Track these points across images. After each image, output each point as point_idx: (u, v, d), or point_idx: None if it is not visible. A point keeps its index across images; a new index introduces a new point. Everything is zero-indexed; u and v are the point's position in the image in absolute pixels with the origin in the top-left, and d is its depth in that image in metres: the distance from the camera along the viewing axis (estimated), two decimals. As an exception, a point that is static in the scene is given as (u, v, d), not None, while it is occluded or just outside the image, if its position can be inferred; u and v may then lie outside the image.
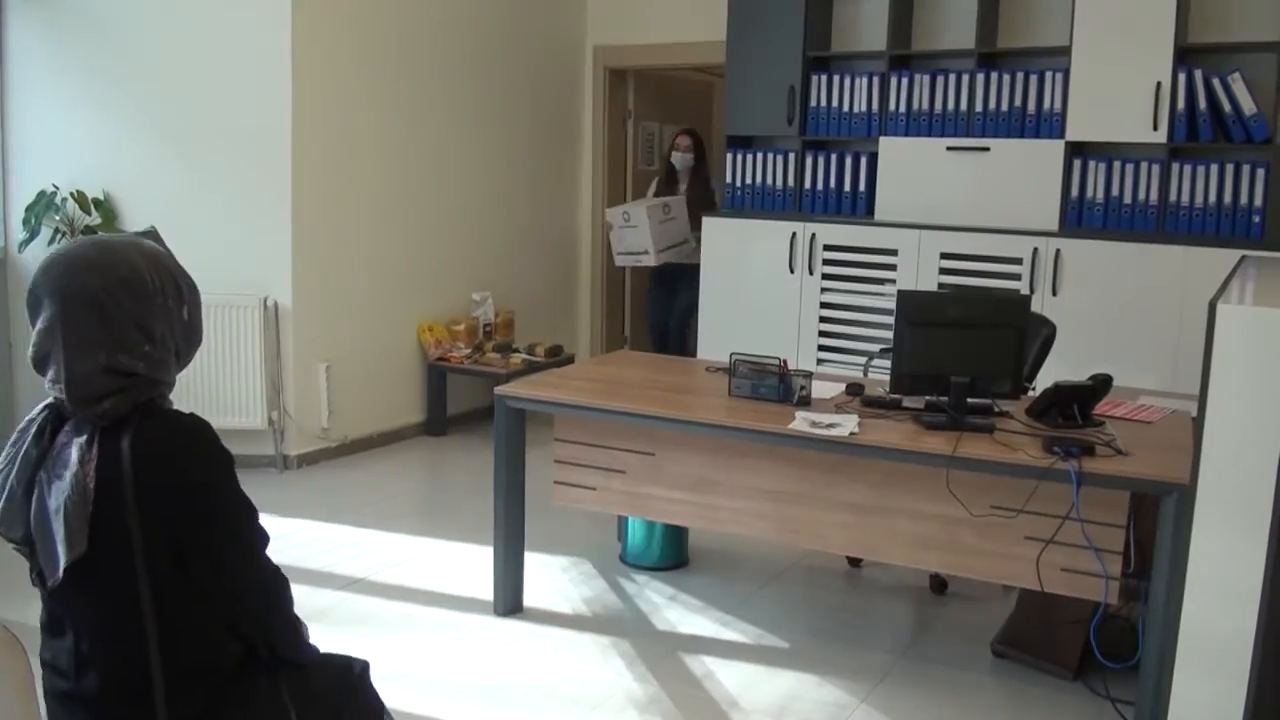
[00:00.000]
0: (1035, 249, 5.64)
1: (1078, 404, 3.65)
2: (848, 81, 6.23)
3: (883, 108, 6.13)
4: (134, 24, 5.87)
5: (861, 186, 6.22)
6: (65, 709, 1.92)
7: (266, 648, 2.03)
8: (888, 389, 3.83)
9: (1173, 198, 5.46)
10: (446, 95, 6.78)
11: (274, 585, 2.04)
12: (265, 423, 5.94)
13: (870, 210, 6.18)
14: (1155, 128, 5.39)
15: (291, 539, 4.95)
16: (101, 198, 5.90)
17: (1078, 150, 5.65)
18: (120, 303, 1.83)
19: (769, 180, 6.48)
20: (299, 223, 5.91)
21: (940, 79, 5.95)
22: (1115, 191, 5.58)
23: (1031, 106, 5.73)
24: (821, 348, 6.28)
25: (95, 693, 1.88)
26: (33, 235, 5.82)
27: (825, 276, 6.22)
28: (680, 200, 6.83)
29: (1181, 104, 5.35)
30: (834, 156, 6.29)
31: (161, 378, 1.90)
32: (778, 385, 3.89)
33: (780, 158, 6.45)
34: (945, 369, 3.59)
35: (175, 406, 1.96)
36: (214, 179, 5.90)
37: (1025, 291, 5.63)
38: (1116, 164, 5.56)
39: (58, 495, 1.80)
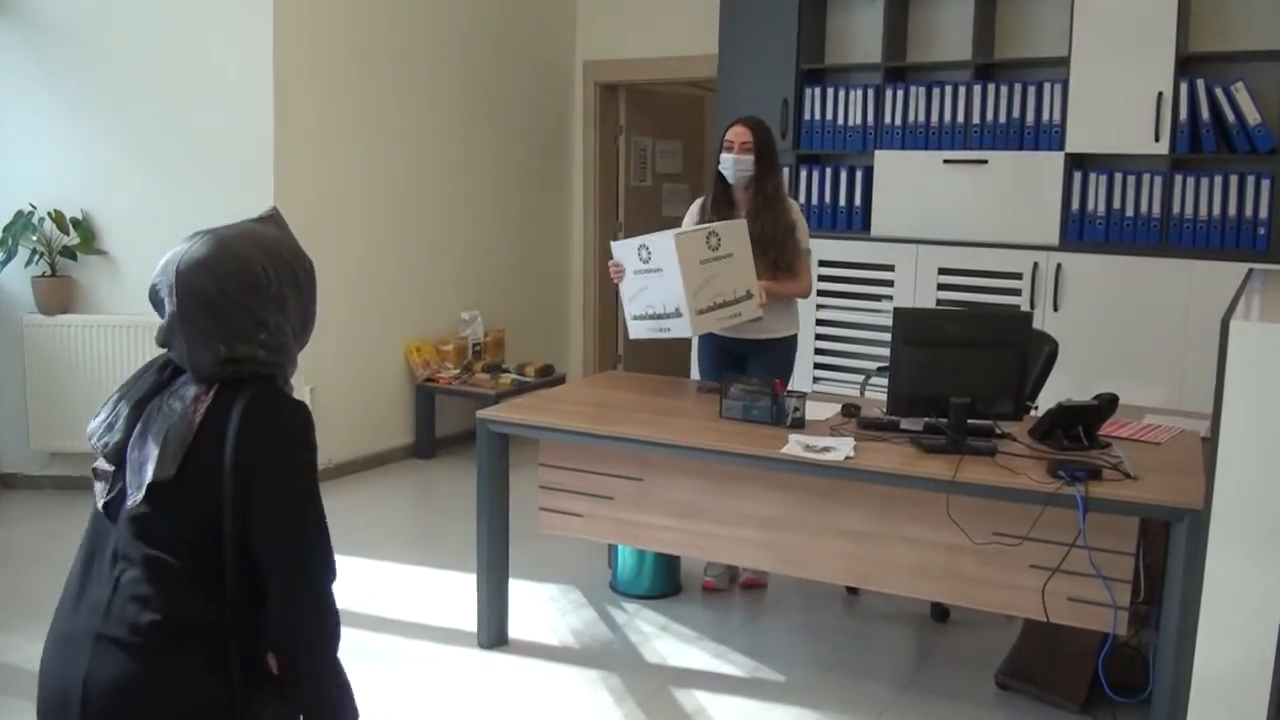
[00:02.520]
0: (1035, 264, 5.51)
1: (1082, 425, 3.51)
2: (842, 94, 6.10)
3: (878, 121, 6.00)
4: (112, 39, 5.74)
5: (857, 201, 6.08)
6: (67, 649, 1.92)
7: (294, 657, 2.00)
8: (885, 410, 3.68)
9: (1176, 210, 5.32)
10: (434, 110, 6.65)
11: (321, 610, 2.05)
12: (247, 447, 5.76)
13: (866, 225, 6.04)
14: (1157, 139, 5.25)
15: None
16: (80, 217, 5.76)
17: (1078, 162, 5.52)
18: (233, 298, 1.90)
19: (763, 195, 6.32)
20: (281, 242, 5.75)
21: (936, 91, 5.83)
22: (1117, 204, 5.44)
23: (1030, 118, 5.60)
24: (817, 365, 6.15)
25: (121, 626, 1.88)
26: (9, 256, 5.68)
27: (820, 293, 6.05)
28: (738, 227, 4.20)
29: (1184, 114, 5.22)
30: (828, 171, 6.15)
31: (279, 359, 1.99)
32: (770, 407, 3.75)
33: (779, 160, 6.27)
34: (944, 389, 3.45)
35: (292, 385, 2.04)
36: (195, 198, 5.75)
37: (1025, 307, 5.51)
38: (1118, 176, 5.43)
39: (164, 421, 1.90)
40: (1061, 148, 5.49)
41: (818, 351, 6.13)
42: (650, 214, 7.88)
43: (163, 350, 1.99)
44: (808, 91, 6.19)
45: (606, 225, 7.82)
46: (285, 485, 1.94)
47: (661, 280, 4.03)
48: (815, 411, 3.86)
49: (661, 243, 4.03)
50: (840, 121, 6.11)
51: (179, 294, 1.90)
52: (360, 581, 4.70)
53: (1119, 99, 5.32)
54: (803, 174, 6.22)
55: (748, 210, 4.43)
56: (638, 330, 4.21)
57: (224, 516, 1.88)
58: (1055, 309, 5.47)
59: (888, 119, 5.97)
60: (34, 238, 5.70)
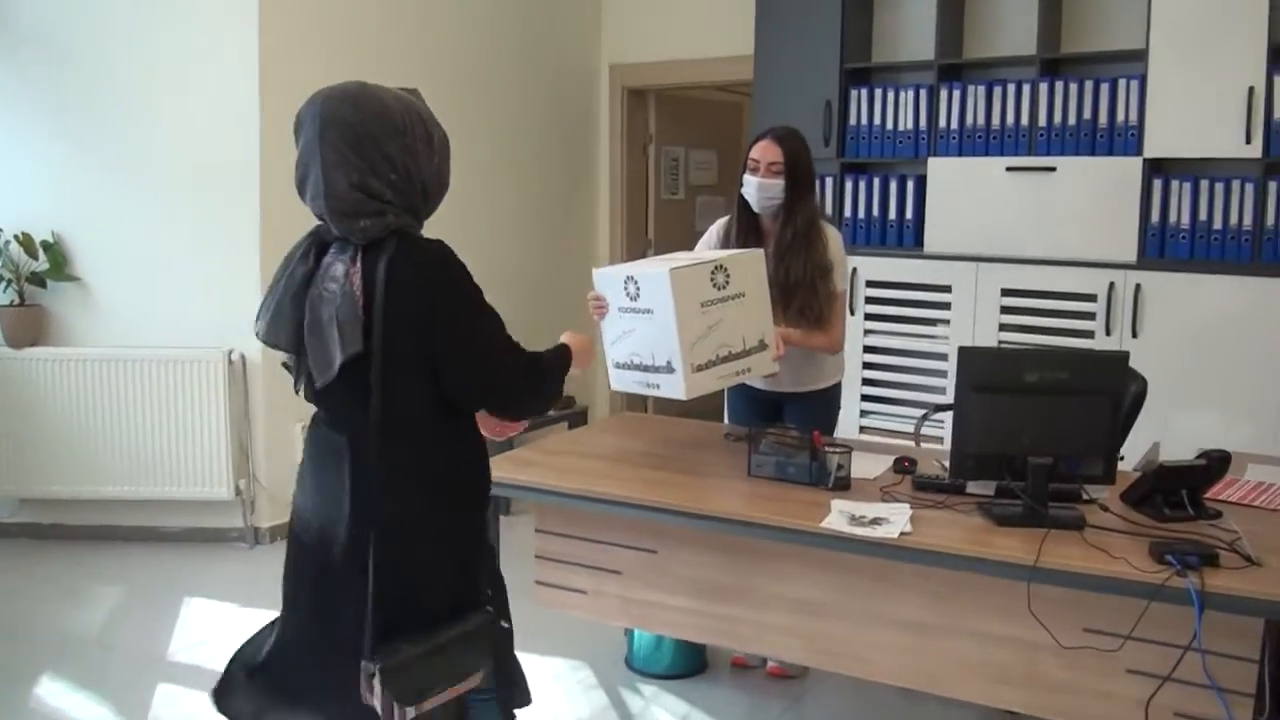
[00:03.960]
0: (1111, 284, 4.91)
1: (1187, 488, 2.88)
2: (891, 95, 5.55)
3: (931, 124, 5.43)
4: (86, 52, 5.27)
5: (909, 214, 5.52)
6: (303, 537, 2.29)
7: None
8: (945, 464, 3.06)
9: (1270, 221, 4.72)
10: (443, 120, 6.07)
11: (529, 371, 2.38)
12: (232, 492, 5.26)
13: (919, 241, 5.47)
14: (1248, 140, 4.66)
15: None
16: (51, 240, 5.28)
17: (1157, 168, 4.94)
18: (371, 131, 2.08)
19: (803, 208, 5.76)
20: (270, 266, 5.21)
21: (997, 90, 5.26)
22: (1203, 215, 4.85)
23: (1103, 119, 5.02)
24: (866, 398, 5.57)
25: (328, 486, 2.21)
26: (-28, 284, 5.22)
27: (869, 317, 5.53)
28: (753, 260, 3.38)
29: (1278, 112, 4.62)
30: (877, 181, 5.60)
31: (411, 209, 2.17)
32: (809, 465, 3.15)
33: (816, 183, 5.70)
34: (1021, 447, 2.83)
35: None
36: (175, 220, 5.28)
37: (1101, 333, 4.92)
38: (1204, 183, 4.83)
39: (329, 304, 2.08)
40: (1139, 152, 4.91)
41: (865, 383, 5.55)
42: (683, 229, 7.30)
43: (300, 238, 2.23)
44: (853, 93, 5.65)
45: (635, 242, 7.28)
46: (452, 307, 2.16)
47: (651, 324, 3.15)
48: (862, 467, 3.25)
49: (653, 278, 3.13)
50: (890, 126, 5.57)
51: (322, 118, 2.09)
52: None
53: (1204, 96, 4.73)
54: (848, 184, 5.66)
55: (775, 246, 3.69)
56: (619, 382, 3.35)
57: (411, 358, 2.12)
58: (1134, 334, 4.87)
59: (943, 122, 5.41)
60: (-1, 262, 5.23)
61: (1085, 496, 2.91)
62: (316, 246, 2.19)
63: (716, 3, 6.61)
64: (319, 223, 2.21)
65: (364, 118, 2.08)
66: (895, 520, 2.81)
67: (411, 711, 2.09)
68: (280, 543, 5.33)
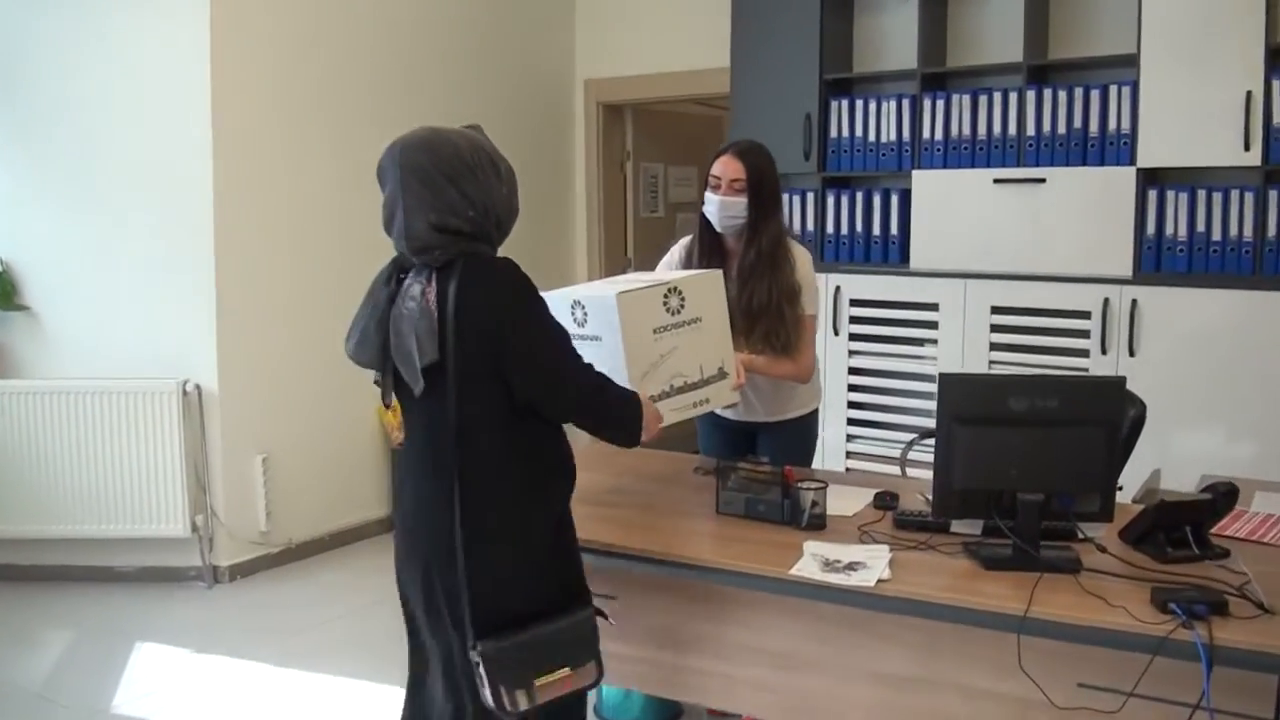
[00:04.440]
0: (1106, 300, 4.70)
1: (1191, 524, 2.65)
2: (873, 106, 5.34)
3: (915, 135, 5.23)
4: (36, 77, 5.06)
5: (893, 229, 5.32)
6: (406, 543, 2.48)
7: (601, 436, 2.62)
8: (929, 498, 2.82)
9: (1271, 231, 4.54)
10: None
11: (594, 391, 2.49)
12: (188, 529, 5.01)
13: (904, 258, 5.28)
14: (1247, 147, 4.47)
15: (209, 684, 4.05)
16: (-1, 268, 5.06)
17: (1152, 178, 4.74)
18: (446, 174, 2.29)
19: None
20: (225, 292, 5.02)
21: (983, 99, 5.06)
22: (1201, 227, 4.66)
23: (1094, 127, 4.83)
24: (851, 422, 5.35)
25: (424, 492, 2.39)
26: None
27: (853, 337, 5.33)
28: (710, 281, 3.14)
29: (1278, 118, 4.43)
30: (859, 195, 5.40)
31: (485, 237, 2.38)
32: (781, 502, 2.91)
33: (796, 198, 5.55)
34: (1010, 483, 2.60)
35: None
36: (127, 247, 5.07)
37: (1096, 351, 4.71)
38: (1201, 193, 4.64)
39: (409, 321, 2.30)
40: (1132, 161, 4.73)
41: (851, 405, 5.33)
42: (663, 249, 7.07)
43: (383, 266, 2.46)
44: (834, 104, 5.46)
45: (614, 261, 7.06)
46: (515, 319, 2.32)
47: (599, 352, 2.81)
48: (840, 503, 3.01)
49: (600, 302, 2.90)
50: (872, 138, 5.37)
51: (400, 168, 2.32)
52: (312, 706, 3.93)
53: (1199, 101, 4.54)
54: (829, 199, 5.46)
55: (738, 268, 3.43)
56: None
57: (483, 366, 2.30)
58: (1131, 353, 4.65)
59: (927, 133, 5.21)
60: (-58, 292, 5.00)
61: (1080, 535, 2.66)
62: (397, 271, 2.41)
63: (692, 13, 6.41)
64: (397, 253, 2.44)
65: (438, 161, 2.30)
66: (873, 565, 2.57)
67: (523, 700, 2.29)
68: (240, 581, 5.14)
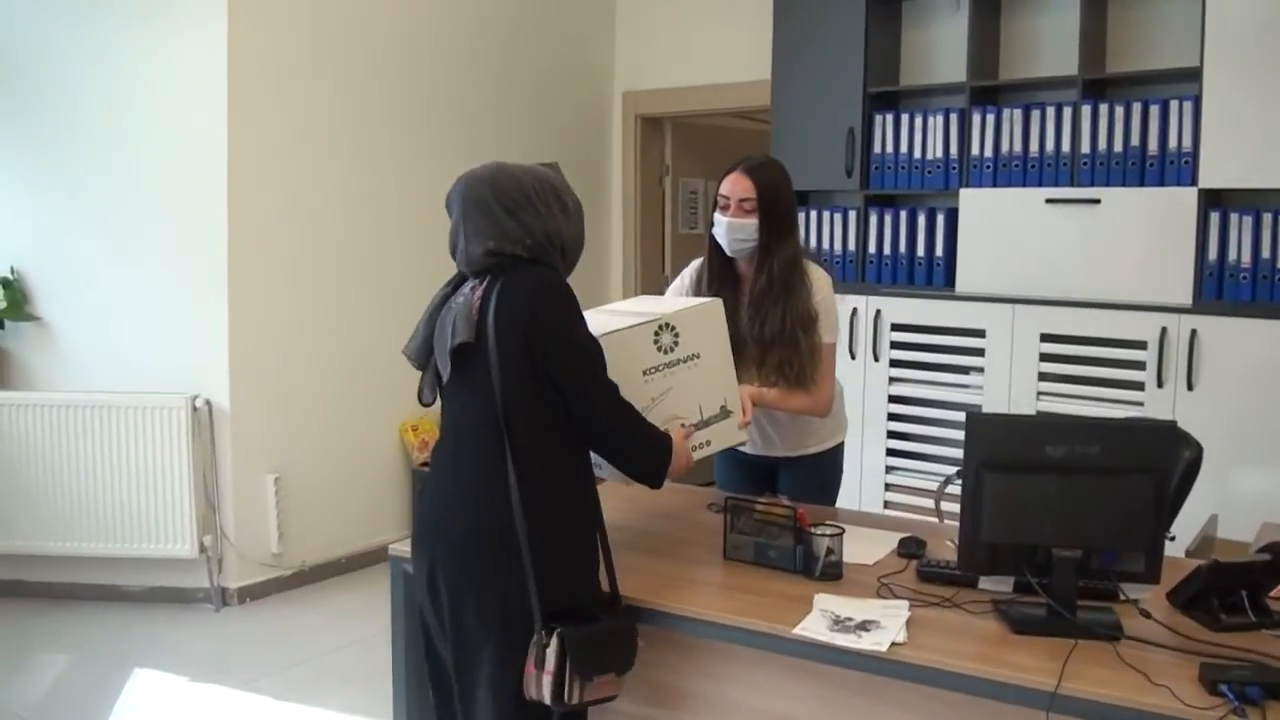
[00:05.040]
0: (1163, 329, 4.43)
1: (1247, 588, 2.37)
2: (919, 121, 5.11)
3: (963, 152, 5.00)
4: (51, 89, 4.97)
5: (938, 251, 5.08)
6: (427, 530, 2.55)
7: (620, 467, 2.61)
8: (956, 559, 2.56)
9: (1344, 259, 4.25)
10: (440, 152, 5.66)
11: (620, 403, 2.48)
12: (196, 550, 4.86)
13: (950, 281, 5.04)
14: (1317, 168, 4.19)
15: (204, 716, 3.88)
16: (10, 277, 4.95)
17: (1215, 200, 4.47)
18: (505, 206, 2.43)
19: (824, 244, 5.36)
20: (238, 305, 4.87)
21: (1035, 114, 4.82)
22: (1266, 253, 4.37)
23: (1153, 145, 4.57)
24: (891, 453, 5.08)
25: (464, 483, 2.46)
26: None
27: (894, 364, 5.09)
28: (708, 312, 2.90)
29: (1353, 136, 4.16)
30: (904, 214, 5.16)
31: (547, 263, 2.47)
32: (793, 549, 2.66)
33: (838, 216, 5.31)
34: (1044, 537, 2.33)
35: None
36: (139, 260, 4.96)
37: (1152, 384, 4.42)
38: (1266, 217, 4.36)
39: (451, 313, 2.45)
40: (1194, 182, 4.46)
41: (891, 435, 5.07)
42: (702, 266, 6.89)
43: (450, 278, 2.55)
44: (878, 119, 5.23)
45: (650, 280, 6.86)
46: (551, 317, 2.39)
47: None
48: (860, 548, 2.76)
49: None
50: (918, 154, 5.14)
51: (464, 199, 2.45)
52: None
53: (1266, 119, 4.28)
54: (872, 218, 5.22)
55: (749, 294, 3.16)
56: None
57: (520, 355, 2.36)
58: (1189, 386, 4.36)
59: (976, 150, 4.97)
60: (-43, 300, 4.92)
61: (1122, 596, 2.39)
62: (459, 280, 2.53)
63: (733, 25, 6.21)
64: None
65: (499, 195, 2.42)
66: (888, 625, 2.31)
67: (576, 694, 2.30)
68: (250, 604, 4.96)
